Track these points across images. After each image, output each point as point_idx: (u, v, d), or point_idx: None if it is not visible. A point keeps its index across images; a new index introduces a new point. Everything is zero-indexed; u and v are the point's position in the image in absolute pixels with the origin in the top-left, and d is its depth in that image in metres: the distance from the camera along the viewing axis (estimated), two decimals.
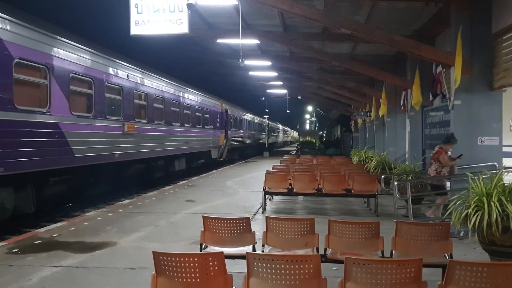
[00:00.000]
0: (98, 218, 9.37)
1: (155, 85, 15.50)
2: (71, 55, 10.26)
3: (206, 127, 22.44)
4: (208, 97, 23.35)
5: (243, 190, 14.03)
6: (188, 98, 19.54)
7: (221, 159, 26.23)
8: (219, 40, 14.63)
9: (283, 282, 3.49)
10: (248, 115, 37.09)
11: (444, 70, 9.97)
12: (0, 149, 7.96)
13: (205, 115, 22.34)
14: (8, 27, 8.24)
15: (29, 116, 8.75)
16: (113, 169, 12.83)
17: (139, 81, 14.10)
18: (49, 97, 9.35)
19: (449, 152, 8.70)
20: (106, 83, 11.88)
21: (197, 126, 20.80)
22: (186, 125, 18.88)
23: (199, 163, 22.32)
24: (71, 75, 10.22)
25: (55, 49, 9.63)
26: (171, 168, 18.01)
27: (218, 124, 24.83)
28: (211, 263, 3.58)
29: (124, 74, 12.95)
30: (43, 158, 9.14)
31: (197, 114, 20.80)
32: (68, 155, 10.00)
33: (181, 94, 18.59)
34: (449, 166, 8.54)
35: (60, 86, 9.72)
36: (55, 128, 9.52)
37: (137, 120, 13.75)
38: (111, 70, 12.19)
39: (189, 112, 19.50)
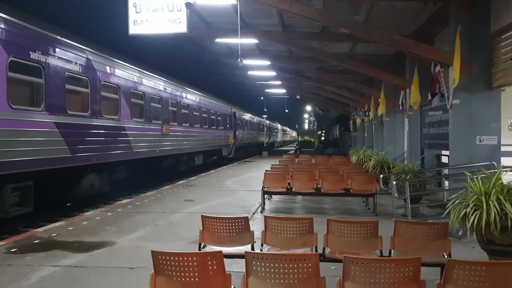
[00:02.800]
0: (97, 218, 9.36)
1: (182, 94, 18.91)
2: (132, 76, 13.80)
3: (219, 128, 25.73)
4: (220, 102, 26.74)
5: (242, 190, 14.03)
6: (205, 104, 22.93)
7: (230, 156, 29.12)
8: (217, 40, 14.61)
9: (281, 281, 3.49)
10: (252, 116, 39.49)
11: (443, 69, 9.98)
12: (93, 145, 11.21)
13: (218, 118, 25.61)
14: (95, 58, 11.48)
15: (110, 122, 12.12)
16: (154, 162, 16.10)
17: (172, 92, 17.60)
18: (119, 107, 12.75)
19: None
20: (152, 95, 15.29)
21: (212, 127, 24.11)
22: (204, 126, 22.23)
23: (213, 159, 25.53)
24: (131, 90, 13.63)
25: (123, 72, 13.12)
26: (192, 163, 21.08)
27: (228, 126, 28.04)
28: (209, 263, 3.58)
29: (162, 87, 16.52)
30: (116, 152, 12.42)
31: (212, 117, 24.15)
32: (129, 150, 13.27)
33: (201, 99, 22.02)
34: None
35: (125, 99, 13.15)
36: (123, 130, 12.91)
37: (171, 123, 17.07)
38: (155, 85, 15.75)
39: (206, 115, 22.85)
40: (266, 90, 33.95)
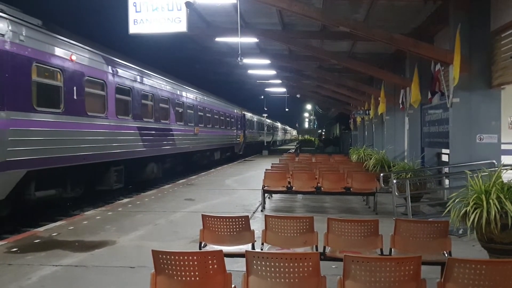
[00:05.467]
0: (97, 217, 9.37)
1: (206, 100, 23.50)
2: (176, 90, 18.35)
3: (232, 128, 30.40)
4: (233, 106, 31.46)
5: (242, 189, 14.03)
6: (223, 108, 27.69)
7: (240, 153, 33.13)
8: (217, 39, 14.59)
9: (282, 280, 3.49)
10: (257, 117, 43.08)
11: (443, 68, 9.98)
12: (154, 142, 15.34)
13: (232, 120, 30.36)
14: (157, 80, 16.06)
15: (164, 125, 16.53)
16: (188, 156, 20.36)
17: (200, 100, 22.17)
18: (169, 114, 17.17)
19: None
20: (188, 104, 19.83)
21: (227, 128, 28.88)
22: (221, 127, 26.95)
23: (227, 155, 29.78)
24: (176, 101, 18.08)
25: (171, 88, 17.71)
26: (212, 158, 25.57)
27: (239, 126, 32.65)
28: (210, 262, 3.58)
29: (194, 96, 21.03)
30: (167, 147, 16.81)
31: (227, 119, 28.82)
32: (174, 146, 17.63)
33: (220, 105, 26.88)
34: None
35: (172, 108, 17.56)
36: (171, 131, 17.26)
37: (199, 125, 21.51)
38: (189, 96, 20.20)
39: (223, 118, 27.55)
40: (266, 89, 33.92)
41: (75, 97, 10.46)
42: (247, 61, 17.48)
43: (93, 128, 11.30)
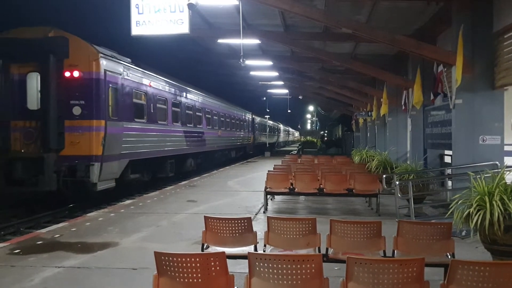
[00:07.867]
0: (100, 219, 9.38)
1: (226, 108, 28.18)
2: (205, 100, 22.94)
3: (244, 130, 35.31)
4: (245, 111, 36.24)
5: (245, 190, 14.03)
6: (237, 113, 32.52)
7: (251, 152, 38.19)
8: (220, 40, 14.61)
9: (284, 282, 3.48)
10: (261, 118, 46.50)
11: (445, 69, 9.96)
12: (192, 142, 19.81)
13: (244, 123, 35.19)
14: (192, 94, 20.58)
15: (198, 129, 21.08)
16: (212, 154, 25.01)
17: (222, 107, 27.03)
18: (202, 120, 21.80)
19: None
20: (213, 111, 24.49)
21: (241, 130, 33.72)
22: (237, 130, 31.96)
23: (239, 154, 34.32)
24: (206, 109, 22.80)
25: (202, 98, 22.36)
26: (229, 156, 30.58)
27: (250, 129, 37.92)
28: (212, 263, 3.58)
29: (218, 105, 25.83)
30: (201, 146, 21.54)
31: (241, 123, 33.78)
32: (204, 145, 22.32)
33: (235, 110, 31.69)
34: None
35: (204, 115, 22.27)
36: (203, 134, 21.98)
37: (221, 129, 26.40)
38: (215, 104, 25.14)
39: (238, 122, 32.46)
40: (269, 91, 33.94)
41: (152, 111, 15.20)
42: (249, 62, 17.43)
43: (161, 132, 16.00)
